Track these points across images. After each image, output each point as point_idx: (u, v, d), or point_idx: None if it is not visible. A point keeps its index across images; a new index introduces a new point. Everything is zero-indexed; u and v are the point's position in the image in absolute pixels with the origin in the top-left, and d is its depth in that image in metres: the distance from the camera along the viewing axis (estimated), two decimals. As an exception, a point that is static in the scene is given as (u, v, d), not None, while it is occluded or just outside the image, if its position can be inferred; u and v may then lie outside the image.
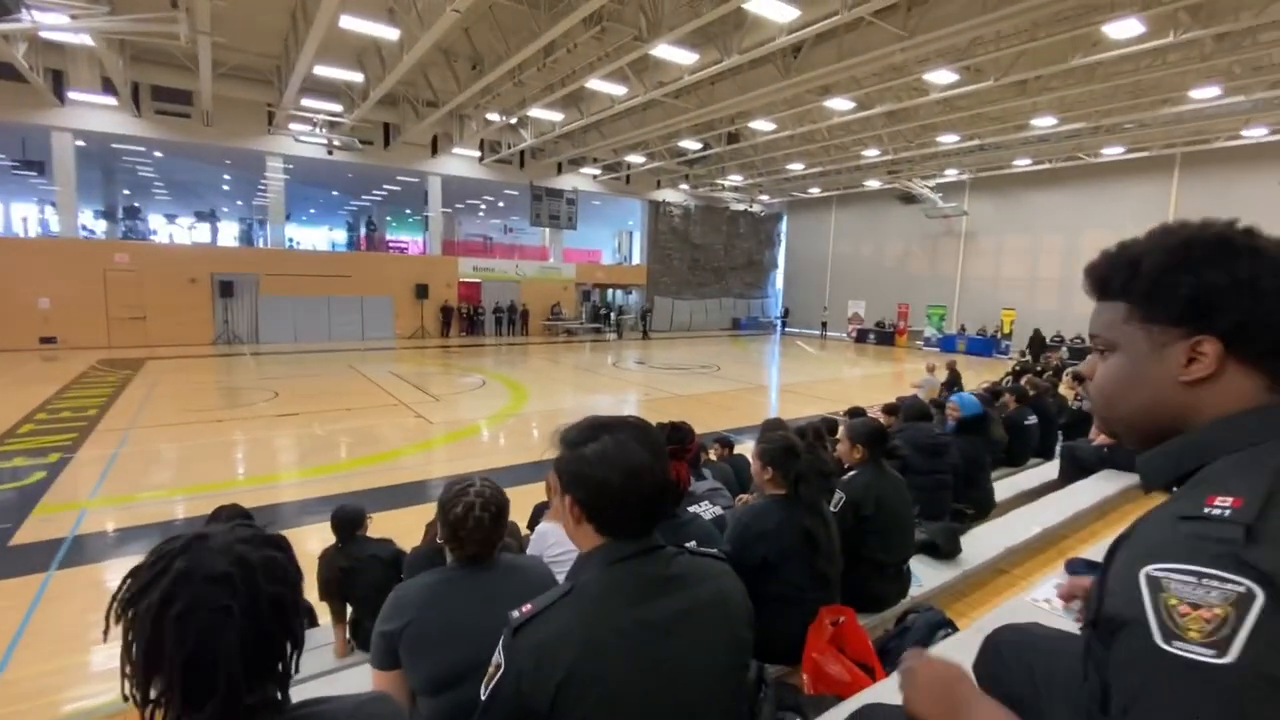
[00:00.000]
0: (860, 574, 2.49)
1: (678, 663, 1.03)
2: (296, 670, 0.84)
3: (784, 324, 31.23)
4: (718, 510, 2.46)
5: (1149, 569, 0.62)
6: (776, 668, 1.90)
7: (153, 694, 0.76)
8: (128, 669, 0.78)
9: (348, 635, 2.96)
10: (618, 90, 13.87)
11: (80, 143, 17.40)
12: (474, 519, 1.55)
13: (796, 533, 2.11)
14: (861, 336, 26.56)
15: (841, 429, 3.59)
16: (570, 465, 1.08)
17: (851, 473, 2.81)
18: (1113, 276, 0.81)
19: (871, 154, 20.14)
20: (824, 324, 28.60)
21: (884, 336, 25.70)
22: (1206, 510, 0.63)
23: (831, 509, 2.61)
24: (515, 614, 1.02)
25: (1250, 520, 0.60)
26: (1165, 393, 0.75)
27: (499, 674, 0.97)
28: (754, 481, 2.39)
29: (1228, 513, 0.62)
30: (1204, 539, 0.61)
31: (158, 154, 20.50)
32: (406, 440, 8.84)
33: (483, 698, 0.99)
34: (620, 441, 1.06)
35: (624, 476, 1.04)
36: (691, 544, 1.24)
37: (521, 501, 2.70)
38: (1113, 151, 19.33)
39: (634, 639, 1.01)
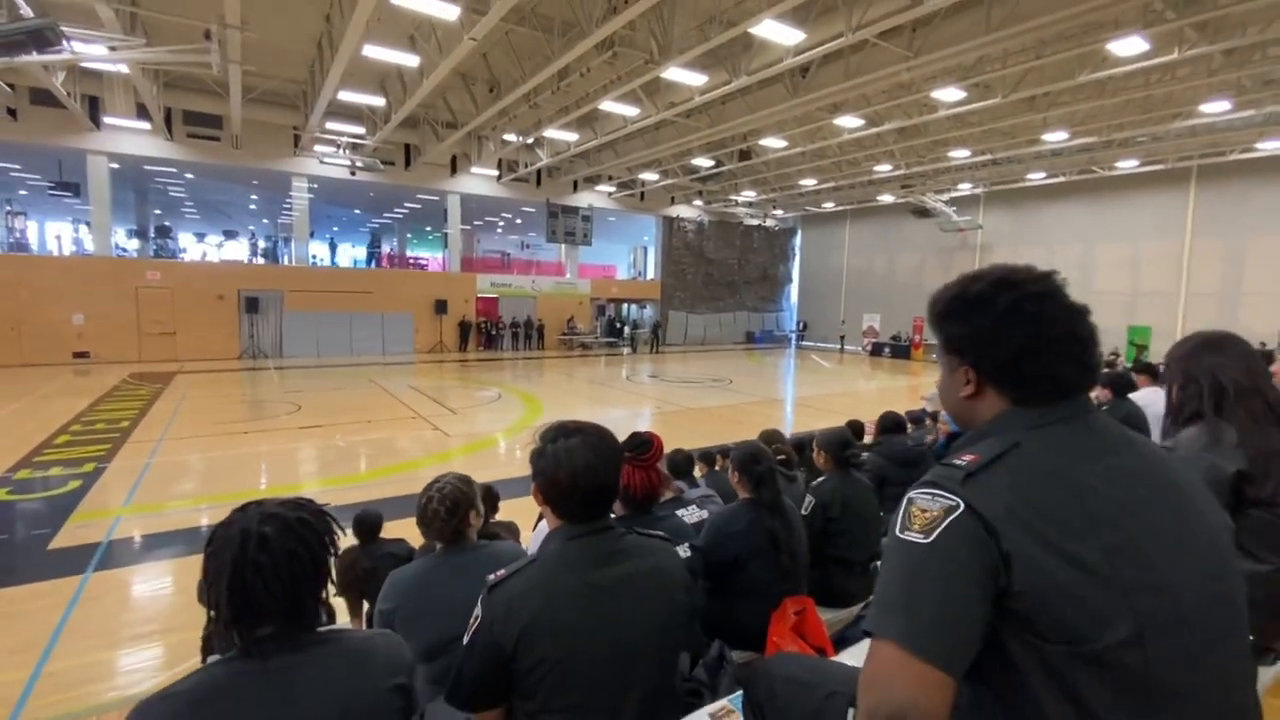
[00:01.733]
0: (828, 571, 2.67)
1: (620, 617, 1.28)
2: (326, 614, 1.08)
3: (801, 337, 31.25)
4: (703, 514, 2.64)
5: (911, 492, 0.93)
6: (742, 653, 2.07)
7: (211, 608, 1.06)
8: (205, 590, 1.08)
9: (371, 627, 3.18)
10: (630, 111, 14.20)
11: (114, 165, 18.12)
12: (430, 510, 1.84)
13: (764, 532, 2.29)
14: (877, 350, 26.51)
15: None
16: (536, 460, 1.38)
17: (821, 479, 2.99)
18: (929, 316, 1.11)
19: (884, 169, 20.26)
20: (842, 338, 28.55)
21: (899, 350, 25.64)
22: (955, 460, 0.93)
23: (803, 512, 2.79)
24: (491, 577, 1.30)
25: (973, 469, 0.90)
26: (959, 403, 1.04)
27: (477, 623, 1.22)
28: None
29: (963, 462, 0.92)
30: (943, 475, 0.92)
31: (188, 175, 21.23)
32: (424, 452, 9.08)
33: (464, 643, 1.22)
34: (571, 446, 1.34)
35: (569, 475, 1.32)
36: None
37: (532, 508, 2.90)
38: (1127, 164, 19.25)
39: (584, 597, 1.27)
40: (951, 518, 0.86)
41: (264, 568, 1.02)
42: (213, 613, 1.05)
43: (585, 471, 1.31)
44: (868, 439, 5.22)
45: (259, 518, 1.06)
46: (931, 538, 0.86)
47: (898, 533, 0.90)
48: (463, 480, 1.94)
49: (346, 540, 3.47)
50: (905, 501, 0.92)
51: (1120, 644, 0.82)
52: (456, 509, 1.86)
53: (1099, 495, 0.87)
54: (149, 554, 5.47)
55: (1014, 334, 0.96)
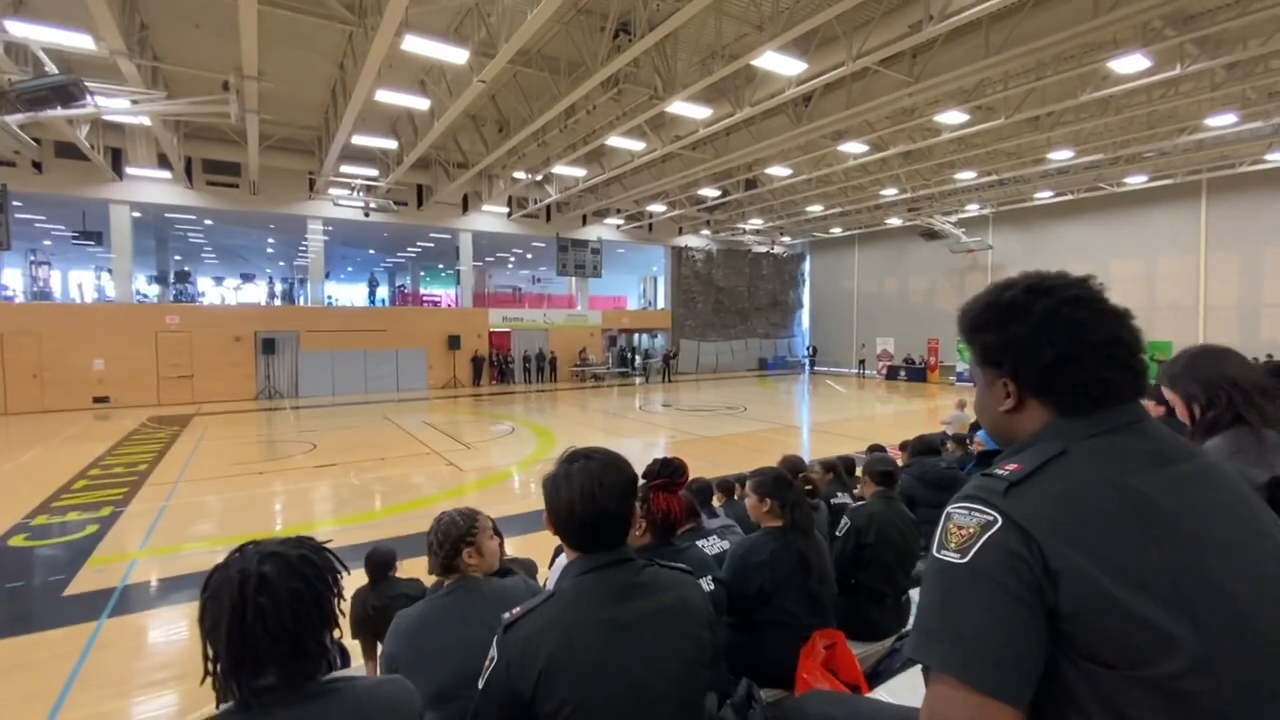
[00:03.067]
0: (857, 602, 2.56)
1: (643, 655, 1.21)
2: (333, 661, 1.02)
3: (812, 363, 31.10)
4: (724, 545, 2.57)
5: (949, 507, 0.88)
6: (771, 691, 1.97)
7: (210, 656, 1.00)
8: (202, 637, 1.02)
9: (379, 671, 3.09)
10: (636, 146, 14.41)
11: (136, 214, 18.60)
12: (429, 542, 1.79)
13: (791, 559, 2.21)
14: (892, 373, 26.29)
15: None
16: (544, 488, 1.33)
17: (862, 502, 2.90)
18: (961, 329, 1.06)
19: (890, 193, 20.34)
20: (861, 362, 28.36)
21: (915, 373, 25.39)
22: (997, 470, 0.88)
23: (837, 533, 2.70)
24: (507, 615, 1.23)
25: (1016, 479, 0.85)
26: (998, 417, 0.99)
27: (492, 665, 1.16)
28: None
29: (1005, 472, 0.87)
30: (983, 486, 0.87)
31: (208, 221, 21.74)
32: (439, 488, 9.03)
33: (479, 686, 1.16)
34: (572, 471, 1.29)
35: (567, 502, 1.27)
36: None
37: (550, 542, 2.84)
38: (1136, 180, 19.20)
39: (604, 634, 1.20)
40: (989, 534, 0.81)
41: (265, 610, 0.97)
42: (210, 663, 0.99)
43: (584, 498, 1.25)
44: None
45: (258, 557, 1.02)
46: (968, 557, 0.81)
47: (935, 552, 0.86)
48: (460, 512, 1.91)
49: (354, 581, 3.42)
50: (944, 518, 0.88)
51: (1185, 671, 0.75)
52: (445, 540, 1.83)
53: (1156, 506, 0.81)
54: (164, 598, 5.42)
55: (1053, 340, 0.91)
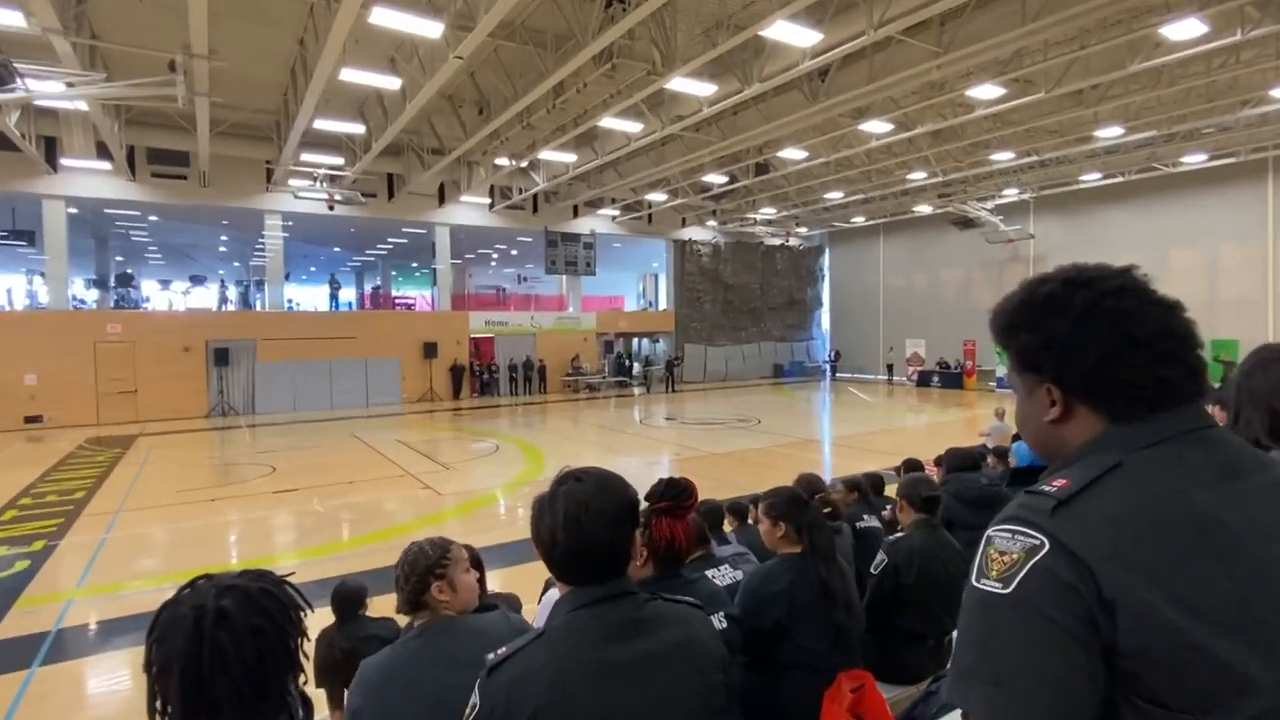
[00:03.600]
0: (893, 643, 2.54)
1: (645, 701, 1.19)
2: (295, 713, 1.02)
3: (834, 369, 31.13)
4: (737, 575, 2.56)
5: (990, 530, 0.87)
6: (794, 742, 1.97)
7: (159, 706, 0.98)
8: (148, 685, 1.01)
9: (346, 723, 3.08)
10: (633, 127, 14.46)
11: (73, 210, 18.64)
12: (396, 575, 1.80)
13: (812, 589, 2.20)
14: (924, 379, 26.31)
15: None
16: (531, 512, 1.31)
17: (899, 534, 2.88)
18: (994, 333, 1.06)
19: (918, 177, 20.40)
20: (889, 366, 28.37)
21: (949, 378, 25.41)
22: (1042, 486, 0.87)
23: (872, 570, 2.68)
24: (491, 656, 1.21)
25: (1064, 496, 0.84)
26: (1042, 429, 0.98)
27: (474, 713, 1.15)
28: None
29: (1053, 490, 0.86)
30: (1027, 505, 0.86)
31: (153, 218, 21.79)
32: (414, 514, 9.01)
33: None
34: (557, 494, 1.28)
35: (550, 529, 1.25)
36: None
37: (538, 575, 2.82)
38: (1194, 159, 19.26)
39: (600, 678, 1.18)
40: (1035, 560, 0.80)
41: (225, 648, 0.97)
42: (159, 714, 0.98)
43: (568, 525, 1.24)
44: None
45: (215, 591, 1.01)
46: (1011, 587, 0.80)
47: (974, 581, 0.85)
48: (431, 542, 1.91)
49: (319, 621, 3.40)
50: (984, 542, 0.87)
51: (1261, 716, 0.75)
52: (412, 572, 1.83)
53: (1227, 527, 0.81)
54: (105, 643, 5.40)
55: (1098, 335, 0.91)
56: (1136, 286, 0.94)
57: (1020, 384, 1.01)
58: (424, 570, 1.82)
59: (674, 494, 1.74)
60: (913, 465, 5.47)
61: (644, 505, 1.72)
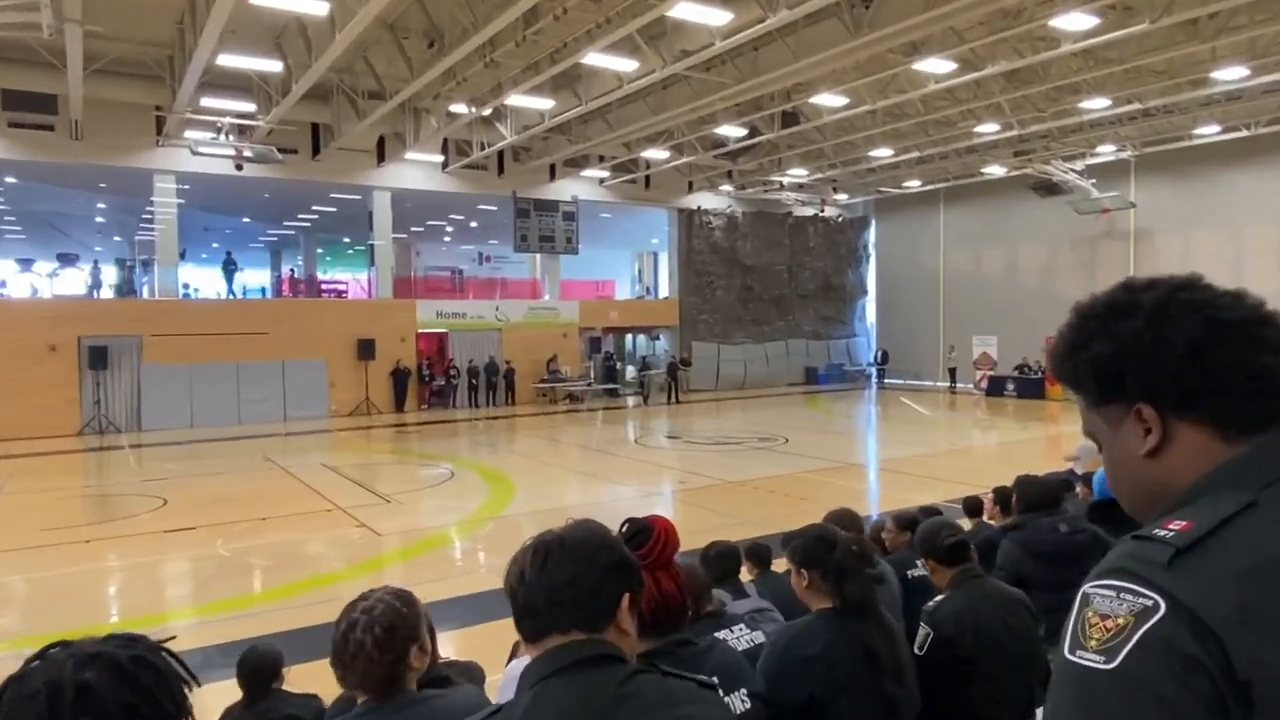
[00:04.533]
0: (958, 725, 2.56)
1: None
2: None
3: (881, 373, 31.22)
4: (756, 637, 2.56)
5: (1087, 586, 0.86)
6: None
7: None
8: None
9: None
10: (626, 66, 14.45)
11: (-91, 170, 18.57)
12: (353, 643, 1.75)
13: (853, 653, 2.21)
14: (995, 387, 26.37)
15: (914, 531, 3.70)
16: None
17: (939, 599, 2.90)
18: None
19: (989, 129, 20.45)
20: (952, 371, 28.44)
21: (1028, 385, 25.45)
22: (1156, 531, 0.87)
23: (916, 650, 2.69)
24: None
25: (1184, 543, 0.83)
26: (1140, 470, 0.99)
27: None
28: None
29: (1170, 535, 0.85)
30: (1136, 555, 0.85)
31: (9, 179, 21.72)
32: (345, 560, 8.98)
33: None
34: (531, 545, 1.34)
35: (517, 573, 1.32)
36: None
37: (503, 638, 2.81)
38: (1338, 109, 19.36)
39: None
40: (1147, 626, 0.79)
41: None
42: None
43: (537, 558, 1.31)
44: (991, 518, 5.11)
45: (74, 662, 0.99)
46: (1116, 660, 0.79)
47: (1067, 653, 0.84)
48: (399, 598, 1.87)
49: (221, 697, 3.37)
50: (1078, 602, 0.86)
51: None
52: (392, 641, 1.79)
53: None
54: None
55: (1181, 324, 0.94)
56: (1203, 282, 0.99)
57: (1103, 423, 1.03)
58: (405, 636, 1.81)
59: (634, 539, 1.73)
60: (929, 512, 5.46)
61: None
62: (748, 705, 2.01)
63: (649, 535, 1.74)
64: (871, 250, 33.30)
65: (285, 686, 3.37)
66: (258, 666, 3.30)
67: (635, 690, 1.25)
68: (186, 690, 1.08)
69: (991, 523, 5.26)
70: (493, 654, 4.04)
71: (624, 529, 1.73)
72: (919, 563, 3.82)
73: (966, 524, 5.37)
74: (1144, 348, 0.95)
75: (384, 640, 1.77)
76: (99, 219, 28.14)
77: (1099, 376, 1.00)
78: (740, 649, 2.41)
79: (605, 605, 1.30)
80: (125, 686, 1.00)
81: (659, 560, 1.76)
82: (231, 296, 25.66)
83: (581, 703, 1.22)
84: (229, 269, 26.16)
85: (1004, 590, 2.94)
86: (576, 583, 1.28)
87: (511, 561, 1.35)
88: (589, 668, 1.24)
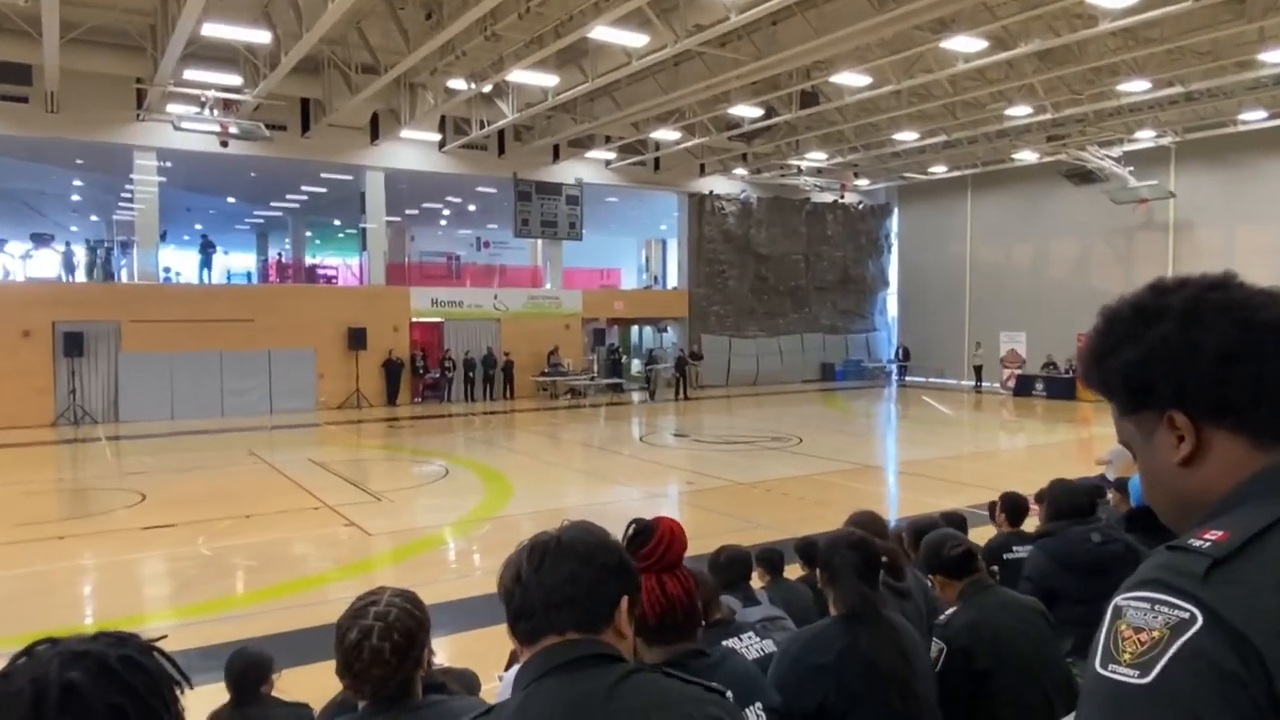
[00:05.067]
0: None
1: None
2: None
3: (903, 370, 31.19)
4: (769, 645, 2.58)
5: (1119, 598, 0.87)
6: None
7: None
8: None
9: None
10: (636, 40, 14.42)
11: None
12: (370, 649, 1.75)
13: (865, 662, 2.24)
14: (1023, 386, 26.30)
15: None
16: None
17: (950, 612, 2.92)
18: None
19: (1021, 112, 20.38)
20: (977, 369, 28.39)
21: (1058, 385, 25.36)
22: (1191, 541, 0.88)
23: (938, 670, 2.71)
24: None
25: (1222, 553, 0.84)
26: (1174, 481, 1.01)
27: None
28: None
29: (1207, 545, 0.86)
30: (1171, 565, 0.86)
31: (-18, 155, 21.76)
32: (333, 561, 9.01)
33: None
34: (528, 544, 1.37)
35: (512, 574, 1.36)
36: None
37: (500, 645, 2.83)
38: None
39: None
40: (1184, 639, 0.80)
41: None
42: None
43: (533, 557, 1.34)
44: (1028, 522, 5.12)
45: (60, 660, 1.00)
46: (1151, 675, 0.80)
47: (1099, 667, 0.85)
48: (410, 600, 1.88)
49: (207, 700, 3.39)
50: (1110, 614, 0.87)
51: None
52: (410, 647, 1.80)
53: None
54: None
55: (1212, 326, 0.95)
56: (1240, 281, 1.00)
57: (1135, 431, 1.04)
58: (422, 641, 1.82)
59: (638, 540, 1.74)
60: (937, 523, 5.47)
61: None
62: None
63: (651, 535, 1.75)
64: (893, 240, 33.24)
65: (274, 693, 3.41)
66: (246, 669, 3.34)
67: (631, 689, 1.28)
68: (178, 692, 1.09)
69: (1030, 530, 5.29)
70: (489, 661, 4.07)
71: (629, 529, 1.74)
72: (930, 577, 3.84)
73: (986, 532, 5.39)
74: (1173, 354, 0.96)
75: (402, 647, 1.78)
76: (76, 197, 28.20)
77: (1128, 384, 1.02)
78: (750, 658, 2.44)
79: (603, 606, 1.33)
80: (112, 687, 1.01)
81: (663, 562, 1.78)
82: (206, 280, 25.69)
83: (574, 701, 1.25)
84: (206, 252, 26.16)
85: (1017, 599, 2.96)
86: (574, 582, 1.32)
87: (506, 563, 1.38)
88: (584, 667, 1.27)
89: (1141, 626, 0.83)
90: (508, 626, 1.37)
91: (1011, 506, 5.23)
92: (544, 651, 1.30)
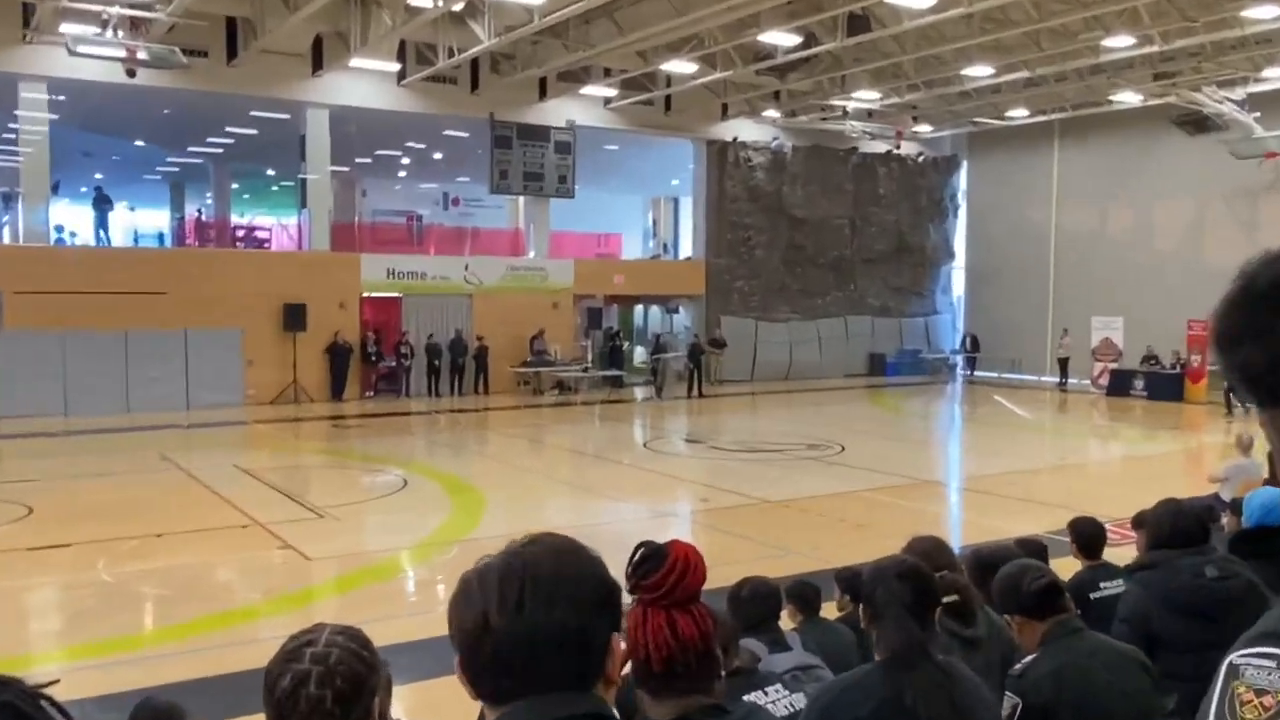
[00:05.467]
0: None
1: None
2: None
3: (970, 362, 31.13)
4: (799, 700, 2.60)
5: (1234, 655, 0.88)
6: None
7: None
8: None
9: None
10: (643, -53, 14.40)
11: None
12: (307, 699, 1.73)
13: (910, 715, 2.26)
14: (1120, 383, 26.27)
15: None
16: (453, 596, 1.34)
17: (1027, 660, 2.94)
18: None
19: (1120, 43, 20.28)
20: (1063, 362, 28.24)
21: (1162, 382, 25.35)
22: None
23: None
24: None
25: None
26: None
27: None
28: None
29: None
30: None
31: None
32: (264, 591, 9.05)
33: None
34: (488, 567, 1.32)
35: (478, 614, 1.27)
36: None
37: (469, 699, 2.85)
38: None
39: None
40: None
41: None
42: None
43: (506, 598, 1.25)
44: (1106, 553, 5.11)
45: None
46: None
47: None
48: (354, 639, 1.87)
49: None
50: (1224, 672, 0.88)
51: None
52: (357, 695, 1.80)
53: None
54: None
55: None
56: None
57: (1270, 422, 1.03)
58: (371, 687, 1.82)
59: (646, 568, 1.72)
60: (1088, 530, 5.47)
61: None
62: None
63: (661, 562, 1.74)
64: (961, 201, 33.21)
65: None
66: (151, 725, 3.35)
67: None
68: None
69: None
70: (454, 714, 4.09)
71: (635, 554, 1.72)
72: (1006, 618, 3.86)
73: (1071, 565, 5.39)
74: None
75: (347, 694, 1.77)
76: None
77: (1251, 383, 1.01)
78: (778, 715, 2.45)
79: (599, 656, 1.30)
80: None
81: (675, 595, 1.76)
82: (105, 244, 25.62)
83: None
84: (101, 208, 26.07)
85: (1112, 645, 2.98)
86: (564, 629, 1.26)
87: (460, 597, 1.31)
88: None
89: (1265, 688, 0.83)
90: (465, 680, 1.30)
91: (1083, 535, 5.21)
92: (522, 707, 1.26)
